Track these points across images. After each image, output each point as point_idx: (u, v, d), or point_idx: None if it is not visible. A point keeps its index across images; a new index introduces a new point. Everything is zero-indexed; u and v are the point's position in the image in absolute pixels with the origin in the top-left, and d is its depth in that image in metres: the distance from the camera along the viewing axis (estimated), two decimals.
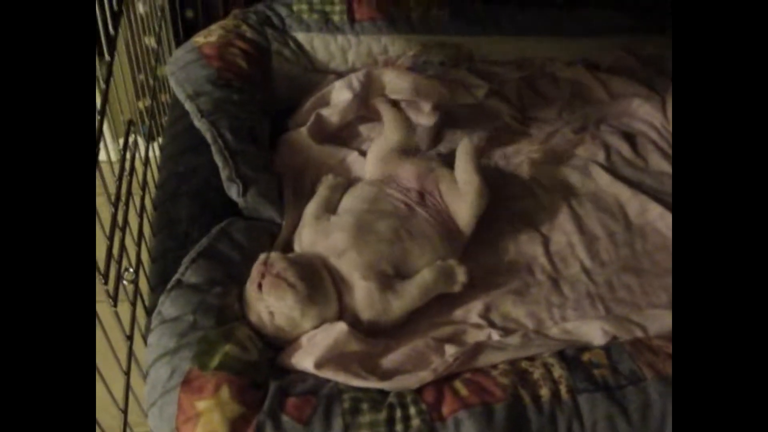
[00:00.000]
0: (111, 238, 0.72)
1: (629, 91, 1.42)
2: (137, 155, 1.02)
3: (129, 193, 0.87)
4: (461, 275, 1.02)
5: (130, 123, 0.89)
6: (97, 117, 0.72)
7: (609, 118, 1.37)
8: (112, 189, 0.84)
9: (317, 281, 0.96)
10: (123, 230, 0.81)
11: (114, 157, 0.93)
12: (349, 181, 1.17)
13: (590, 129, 1.34)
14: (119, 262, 0.78)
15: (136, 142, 0.91)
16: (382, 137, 1.22)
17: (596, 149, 1.28)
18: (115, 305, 0.74)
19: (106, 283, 0.69)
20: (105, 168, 0.80)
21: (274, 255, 0.95)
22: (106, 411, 0.79)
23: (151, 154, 1.23)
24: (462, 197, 1.09)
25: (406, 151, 1.19)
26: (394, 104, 1.26)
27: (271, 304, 0.92)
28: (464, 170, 1.11)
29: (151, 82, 1.22)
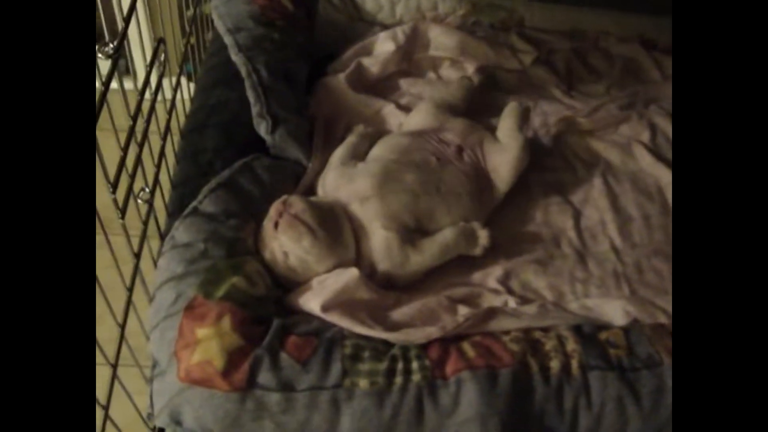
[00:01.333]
0: (125, 150, 0.71)
1: None
2: (169, 83, 1.01)
3: (151, 109, 0.85)
4: (484, 239, 0.99)
5: (160, 41, 0.88)
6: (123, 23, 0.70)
7: (660, 99, 1.31)
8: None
9: (335, 227, 0.93)
10: (141, 146, 0.79)
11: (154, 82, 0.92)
12: (380, 132, 1.14)
13: (638, 108, 1.28)
14: (132, 176, 0.77)
15: (166, 62, 0.89)
16: (441, 90, 1.20)
17: (642, 129, 1.23)
18: (123, 217, 0.72)
19: (114, 193, 0.68)
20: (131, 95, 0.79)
21: (295, 197, 0.93)
22: (106, 329, 0.79)
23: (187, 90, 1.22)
24: (504, 152, 1.08)
25: (455, 109, 1.17)
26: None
27: (285, 244, 0.90)
28: (509, 128, 1.11)
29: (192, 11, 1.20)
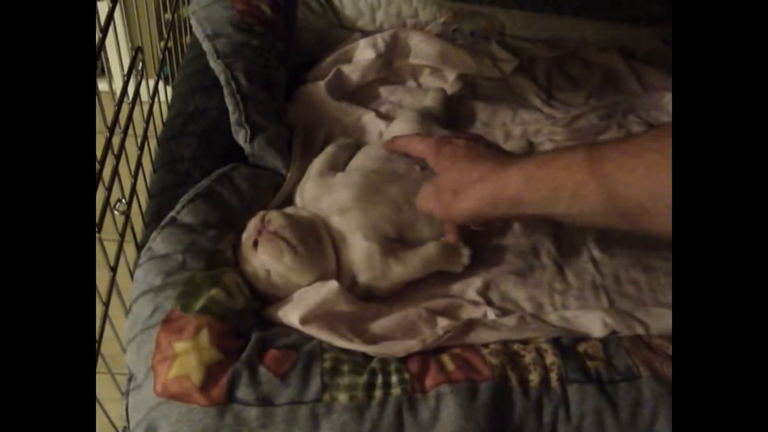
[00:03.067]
0: (102, 162, 0.69)
1: (662, 84, 1.37)
2: (146, 88, 1.00)
3: (129, 119, 0.84)
4: (465, 258, 0.99)
5: (138, 50, 0.86)
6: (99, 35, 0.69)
7: (638, 109, 1.32)
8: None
9: (316, 242, 0.93)
10: (117, 157, 0.78)
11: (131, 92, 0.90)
12: (360, 143, 1.14)
13: (617, 118, 1.29)
14: (108, 189, 0.76)
15: (143, 71, 0.88)
16: (420, 99, 1.19)
17: None
18: (99, 231, 0.71)
19: None
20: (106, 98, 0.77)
21: (274, 212, 0.92)
22: None
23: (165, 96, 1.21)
24: None
25: (437, 119, 1.17)
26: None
27: (266, 262, 0.89)
28: None
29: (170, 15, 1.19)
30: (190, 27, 1.29)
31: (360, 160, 1.06)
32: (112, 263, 0.80)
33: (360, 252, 0.94)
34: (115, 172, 0.79)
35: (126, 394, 0.82)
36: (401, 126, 1.14)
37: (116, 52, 0.91)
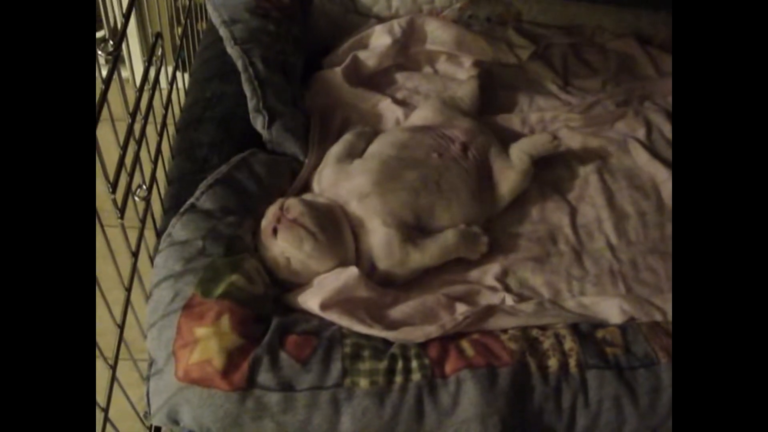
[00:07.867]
0: (124, 148, 0.70)
1: None
2: (165, 74, 1.00)
3: (149, 106, 0.84)
4: (483, 245, 1.00)
5: (158, 36, 0.86)
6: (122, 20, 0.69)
7: (655, 96, 1.31)
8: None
9: (335, 228, 0.93)
10: (139, 143, 0.78)
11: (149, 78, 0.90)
12: (377, 131, 1.14)
13: (634, 104, 1.28)
14: (131, 175, 0.76)
15: (162, 57, 0.88)
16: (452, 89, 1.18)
17: (637, 125, 1.23)
18: (122, 217, 0.71)
19: (113, 193, 0.67)
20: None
21: (293, 200, 0.93)
22: (102, 324, 0.78)
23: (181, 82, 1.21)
24: (509, 169, 1.07)
25: (463, 109, 1.17)
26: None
27: (286, 250, 0.89)
28: (524, 150, 1.09)
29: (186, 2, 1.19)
30: (205, 12, 1.29)
31: (378, 147, 1.06)
32: (133, 249, 0.80)
33: (379, 238, 0.94)
34: (136, 157, 0.79)
35: (147, 379, 0.82)
36: (422, 113, 1.14)
37: (134, 38, 0.91)
